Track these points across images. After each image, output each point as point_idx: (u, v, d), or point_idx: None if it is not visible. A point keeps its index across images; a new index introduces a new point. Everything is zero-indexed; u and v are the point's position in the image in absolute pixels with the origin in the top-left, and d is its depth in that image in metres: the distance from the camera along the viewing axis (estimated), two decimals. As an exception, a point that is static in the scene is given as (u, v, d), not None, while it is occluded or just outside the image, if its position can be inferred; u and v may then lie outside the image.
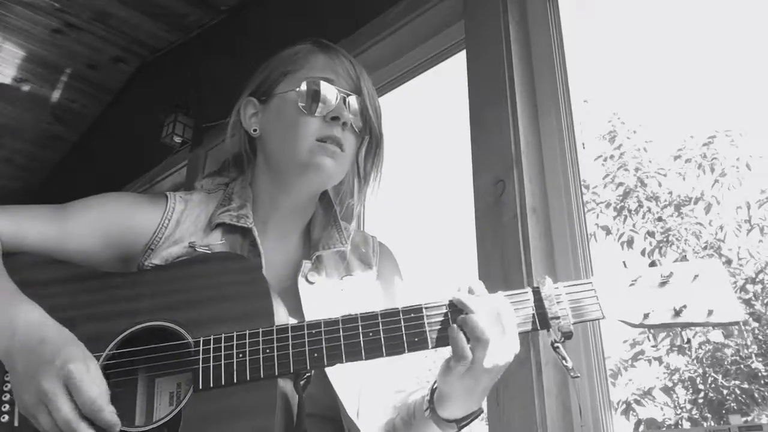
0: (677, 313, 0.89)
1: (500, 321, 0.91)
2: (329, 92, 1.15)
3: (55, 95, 4.28)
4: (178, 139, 3.23)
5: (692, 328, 0.91)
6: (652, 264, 0.94)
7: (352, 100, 1.17)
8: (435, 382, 1.02)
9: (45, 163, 4.92)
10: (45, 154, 4.82)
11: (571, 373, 0.91)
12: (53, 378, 0.86)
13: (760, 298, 4.04)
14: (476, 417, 1.00)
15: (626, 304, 0.91)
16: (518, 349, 0.93)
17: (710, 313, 0.88)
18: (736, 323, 0.89)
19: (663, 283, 0.91)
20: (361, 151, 1.25)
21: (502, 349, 0.91)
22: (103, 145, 4.42)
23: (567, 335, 0.90)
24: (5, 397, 0.96)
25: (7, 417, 0.95)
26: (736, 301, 0.89)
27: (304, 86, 1.15)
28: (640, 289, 0.91)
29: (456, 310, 0.94)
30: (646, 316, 0.89)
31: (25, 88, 4.16)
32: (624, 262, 0.95)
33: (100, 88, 4.25)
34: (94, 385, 0.87)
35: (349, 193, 1.30)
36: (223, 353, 0.93)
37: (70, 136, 4.66)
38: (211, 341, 0.94)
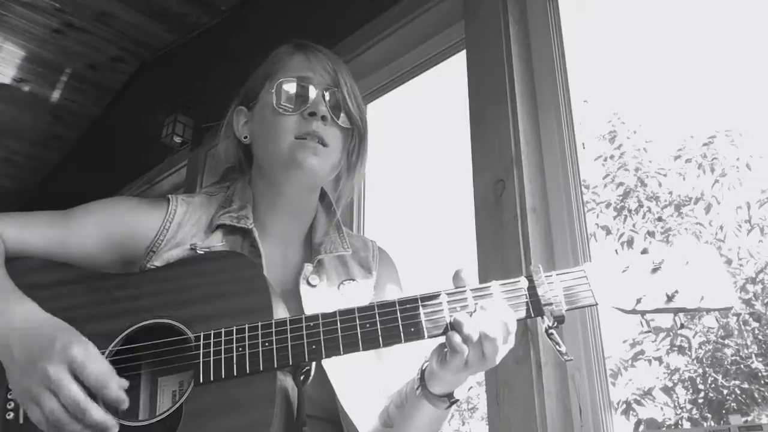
0: (670, 298, 0.90)
1: (486, 351, 0.92)
2: (304, 89, 1.17)
3: (55, 95, 4.28)
4: (178, 139, 3.23)
5: (686, 314, 0.91)
6: (644, 251, 0.95)
7: (330, 94, 1.18)
8: (425, 362, 1.03)
9: (45, 163, 4.92)
10: (45, 154, 4.82)
11: (564, 357, 0.92)
12: (57, 362, 0.87)
13: (760, 298, 4.04)
14: (466, 391, 1.02)
15: (619, 291, 0.92)
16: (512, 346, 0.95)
17: (703, 298, 0.88)
18: (729, 308, 0.89)
19: (655, 269, 0.92)
20: (349, 148, 1.25)
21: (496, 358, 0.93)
22: (103, 145, 4.42)
23: (559, 319, 0.92)
24: (11, 395, 0.97)
25: (12, 414, 0.96)
26: (729, 286, 0.89)
27: (277, 86, 1.17)
28: (632, 275, 0.92)
29: (454, 300, 0.96)
30: (638, 301, 0.90)
31: (25, 88, 4.17)
32: (616, 250, 0.96)
33: (100, 88, 4.25)
34: (97, 364, 0.89)
35: (344, 193, 1.30)
36: (223, 347, 0.94)
37: (70, 136, 4.66)
38: (212, 336, 0.96)
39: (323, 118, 1.15)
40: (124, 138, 4.07)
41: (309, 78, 1.18)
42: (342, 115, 1.20)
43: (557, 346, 0.92)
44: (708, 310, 0.89)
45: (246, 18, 3.37)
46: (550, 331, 0.93)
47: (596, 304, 0.92)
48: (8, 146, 4.68)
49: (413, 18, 2.28)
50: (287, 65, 1.21)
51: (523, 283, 0.96)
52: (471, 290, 0.96)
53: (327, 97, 1.17)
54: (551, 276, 0.95)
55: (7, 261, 1.07)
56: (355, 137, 1.24)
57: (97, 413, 0.86)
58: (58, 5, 3.52)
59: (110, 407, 0.90)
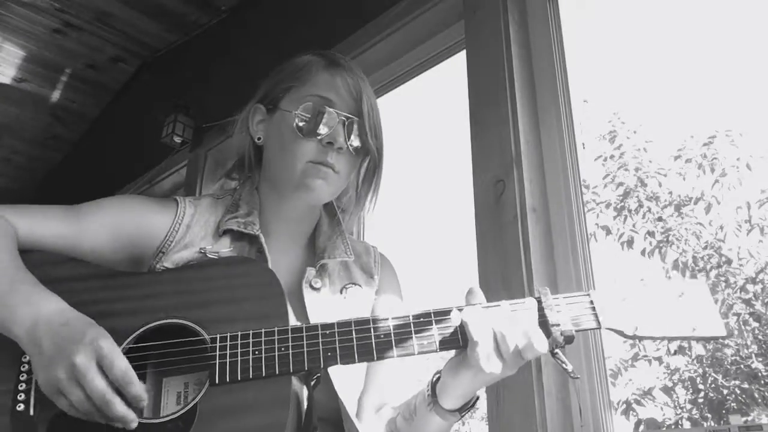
0: (665, 327, 0.97)
1: (501, 349, 0.94)
2: (327, 116, 1.17)
3: (55, 95, 4.28)
4: (178, 139, 3.23)
5: (678, 341, 0.99)
6: (642, 281, 1.03)
7: (351, 123, 1.18)
8: (434, 377, 1.05)
9: (45, 163, 4.92)
10: (45, 154, 4.82)
11: (572, 375, 0.96)
12: (85, 353, 0.89)
13: (760, 298, 4.04)
14: (476, 402, 1.05)
15: (620, 317, 0.98)
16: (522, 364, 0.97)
17: (695, 328, 0.96)
18: (718, 338, 0.98)
19: (653, 299, 0.99)
20: (361, 170, 1.28)
21: (503, 369, 0.96)
22: (102, 145, 4.42)
23: (568, 339, 0.95)
24: (21, 386, 0.97)
25: (22, 406, 0.96)
26: (718, 317, 0.98)
27: (302, 108, 1.17)
28: (632, 303, 0.99)
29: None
30: (637, 328, 0.97)
31: (25, 88, 4.17)
32: (615, 279, 1.03)
33: (100, 88, 4.25)
34: (124, 360, 0.90)
35: (349, 206, 1.33)
36: (239, 350, 0.96)
37: (70, 136, 4.66)
38: (228, 338, 0.97)
39: (339, 149, 1.16)
40: (124, 138, 4.07)
41: (332, 102, 1.18)
42: (358, 145, 1.20)
43: (564, 365, 0.96)
44: (699, 339, 0.98)
45: (246, 18, 3.37)
46: (556, 351, 0.96)
47: (599, 328, 0.98)
48: (8, 146, 4.68)
49: (413, 18, 2.28)
50: (312, 81, 1.20)
51: (531, 303, 0.98)
52: (483, 307, 0.98)
53: (346, 127, 1.18)
54: (558, 299, 0.99)
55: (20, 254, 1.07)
56: (369, 167, 1.27)
57: (121, 407, 0.88)
58: (58, 5, 3.52)
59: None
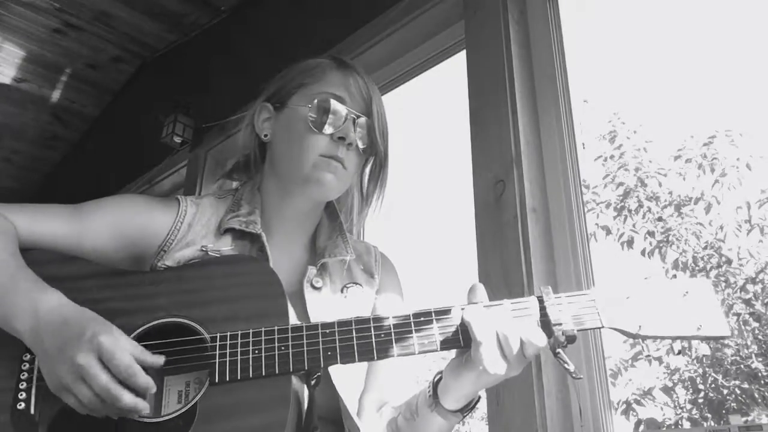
0: (669, 326, 0.96)
1: (505, 350, 0.94)
2: (339, 112, 1.18)
3: (55, 95, 4.28)
4: (178, 139, 3.23)
5: (682, 340, 0.98)
6: (647, 279, 1.01)
7: (361, 122, 1.20)
8: (436, 377, 1.05)
9: (45, 163, 4.92)
10: (45, 154, 4.82)
11: (574, 375, 0.95)
12: (86, 351, 0.89)
13: (760, 298, 4.04)
14: (477, 403, 1.05)
15: (623, 316, 0.97)
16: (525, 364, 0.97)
17: (699, 327, 0.95)
18: (723, 338, 0.96)
19: (657, 298, 0.98)
20: (366, 170, 1.29)
21: (508, 370, 0.96)
22: (103, 145, 4.42)
23: (571, 339, 0.94)
24: (22, 384, 0.98)
25: (23, 404, 0.96)
26: (723, 317, 0.96)
27: (315, 104, 1.18)
28: (636, 302, 0.98)
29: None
30: (640, 327, 0.96)
31: (25, 88, 4.17)
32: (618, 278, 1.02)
33: (100, 88, 4.25)
34: (126, 353, 0.91)
35: (350, 208, 1.34)
36: (239, 349, 0.96)
37: (70, 136, 4.66)
38: (228, 337, 0.97)
39: (349, 144, 1.18)
40: (124, 138, 4.07)
41: (344, 100, 1.20)
42: (367, 144, 1.22)
43: (566, 365, 0.95)
44: (704, 338, 0.96)
45: (246, 18, 3.37)
46: (558, 350, 0.95)
47: (602, 327, 0.96)
48: (8, 146, 4.68)
49: (413, 18, 2.28)
50: (324, 79, 1.22)
51: (533, 302, 0.98)
52: (485, 307, 0.98)
53: (357, 124, 1.20)
54: (560, 297, 0.98)
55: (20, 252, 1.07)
56: (376, 167, 1.28)
57: (129, 398, 0.89)
58: (58, 5, 3.52)
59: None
